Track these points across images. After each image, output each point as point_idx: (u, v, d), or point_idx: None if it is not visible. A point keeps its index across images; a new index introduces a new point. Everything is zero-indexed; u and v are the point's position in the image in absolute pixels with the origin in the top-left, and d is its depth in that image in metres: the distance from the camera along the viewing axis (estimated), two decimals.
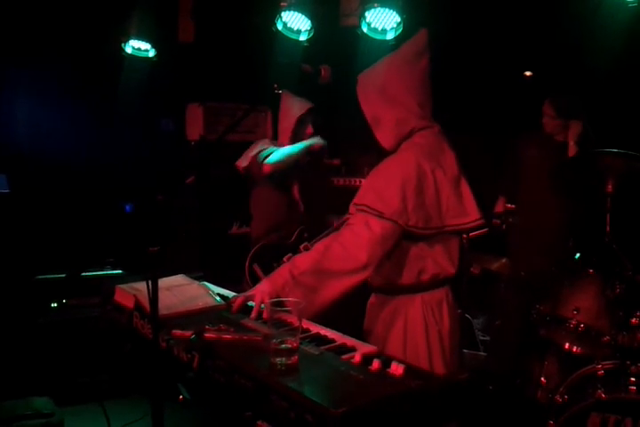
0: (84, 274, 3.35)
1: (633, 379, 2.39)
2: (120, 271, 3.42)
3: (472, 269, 3.27)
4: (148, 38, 3.87)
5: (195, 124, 4.14)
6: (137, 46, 3.90)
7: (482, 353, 4.04)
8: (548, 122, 3.60)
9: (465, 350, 3.79)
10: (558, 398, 2.56)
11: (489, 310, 4.19)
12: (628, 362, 2.45)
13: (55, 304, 3.30)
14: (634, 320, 2.50)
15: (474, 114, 4.37)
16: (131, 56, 3.87)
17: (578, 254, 2.90)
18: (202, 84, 4.50)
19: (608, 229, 2.71)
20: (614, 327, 2.60)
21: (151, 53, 3.93)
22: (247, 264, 3.27)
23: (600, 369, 2.51)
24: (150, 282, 1.46)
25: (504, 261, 3.35)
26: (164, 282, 1.81)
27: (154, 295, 1.44)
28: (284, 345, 1.34)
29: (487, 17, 3.87)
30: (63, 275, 3.28)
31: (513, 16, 3.79)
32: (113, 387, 2.88)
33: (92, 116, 4.28)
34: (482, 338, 4.38)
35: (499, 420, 2.95)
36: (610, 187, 2.76)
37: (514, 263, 3.40)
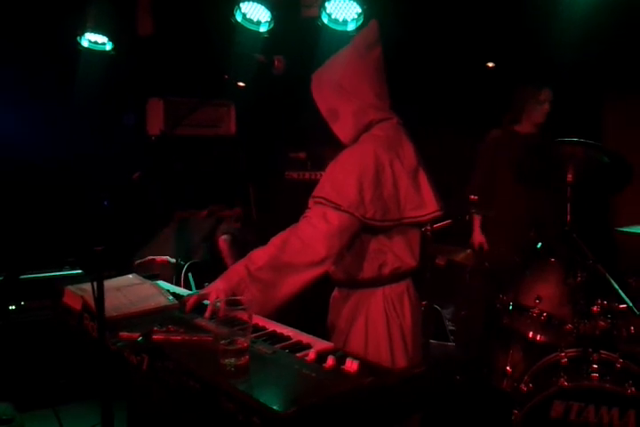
0: (43, 275, 3.25)
1: (595, 366, 2.41)
2: (80, 271, 3.33)
3: (437, 260, 3.26)
4: (105, 31, 3.77)
5: (155, 119, 4.05)
6: (94, 40, 3.81)
7: (451, 343, 4.06)
8: (545, 109, 3.63)
9: (433, 341, 3.81)
10: (523, 386, 2.58)
11: (457, 301, 4.22)
12: (590, 350, 2.47)
13: (14, 307, 3.21)
14: (595, 308, 2.53)
15: (439, 105, 4.37)
16: (87, 50, 3.78)
17: (540, 244, 2.92)
18: (163, 77, 4.42)
19: (569, 218, 2.72)
20: (576, 315, 2.63)
21: (108, 47, 3.83)
22: (182, 276, 3.21)
23: (563, 357, 2.53)
24: (95, 282, 1.40)
25: (469, 252, 3.36)
26: (113, 282, 1.76)
27: (99, 296, 1.39)
28: (233, 345, 1.30)
29: (449, 8, 3.86)
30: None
31: (475, 7, 3.79)
32: (71, 391, 2.80)
33: (50, 113, 4.17)
34: (451, 328, 4.41)
35: (466, 410, 2.97)
36: (570, 176, 2.77)
37: (478, 254, 3.41)
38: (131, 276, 1.86)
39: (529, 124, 3.68)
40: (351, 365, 1.34)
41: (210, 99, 3.78)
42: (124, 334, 1.44)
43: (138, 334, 1.39)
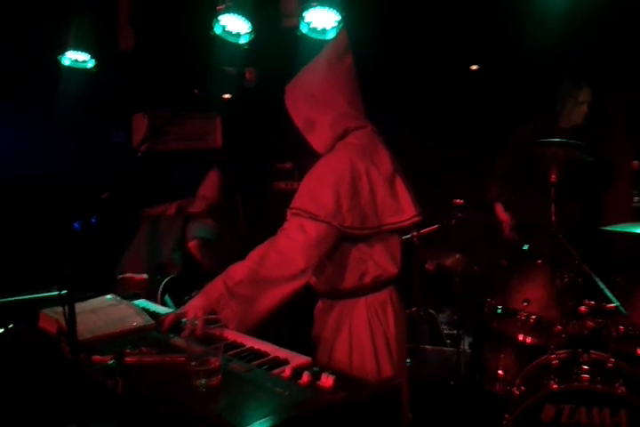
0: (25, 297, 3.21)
1: (586, 367, 2.40)
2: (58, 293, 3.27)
3: (427, 265, 3.26)
4: (86, 49, 3.77)
5: (141, 135, 4.04)
6: (74, 58, 3.81)
7: (447, 348, 4.05)
8: (583, 111, 3.43)
9: (429, 346, 3.80)
10: (515, 390, 2.57)
11: (452, 305, 4.21)
12: (580, 350, 2.46)
13: (1, 329, 3.17)
14: (583, 308, 2.52)
15: (423, 111, 4.38)
16: (69, 68, 3.78)
17: (526, 246, 2.91)
18: (148, 93, 4.42)
19: (553, 218, 2.72)
20: (564, 317, 2.62)
21: (90, 64, 3.83)
22: (159, 296, 3.17)
23: (554, 359, 2.52)
24: (67, 305, 1.39)
25: (458, 256, 3.35)
26: (89, 304, 1.75)
27: (71, 319, 1.38)
28: (204, 366, 1.29)
29: (429, 12, 3.87)
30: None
31: (456, 11, 3.80)
32: (49, 417, 2.76)
33: (36, 132, 4.16)
34: (447, 332, 4.39)
35: (460, 415, 2.96)
36: (553, 177, 2.77)
37: (467, 258, 3.41)
38: (108, 296, 1.85)
39: (567, 125, 3.47)
40: (326, 380, 1.34)
41: (194, 111, 3.77)
42: (96, 357, 1.43)
43: (110, 357, 1.39)
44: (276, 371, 1.44)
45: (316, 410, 1.20)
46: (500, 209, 3.57)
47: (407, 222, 2.03)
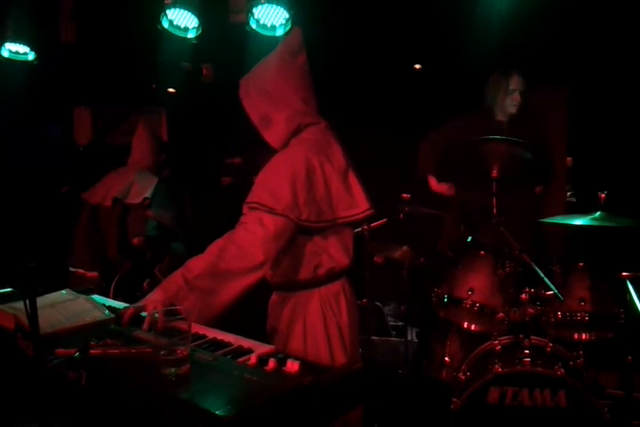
0: None
1: (527, 351, 2.53)
2: (9, 290, 3.19)
3: (375, 258, 3.34)
4: (26, 41, 3.66)
5: (83, 129, 3.95)
6: (15, 49, 3.69)
7: (392, 339, 4.17)
8: (516, 99, 3.37)
9: (375, 337, 3.90)
10: (461, 375, 2.68)
11: (397, 297, 4.33)
12: (522, 336, 2.59)
13: None
14: (523, 296, 2.65)
15: (370, 107, 4.47)
16: (8, 60, 3.65)
17: (470, 238, 3.04)
18: (90, 86, 4.31)
19: (495, 211, 2.85)
20: (507, 304, 2.76)
21: (30, 57, 3.72)
22: (111, 297, 3.13)
23: (497, 345, 2.65)
24: (28, 299, 1.38)
25: (405, 248, 3.46)
26: (47, 298, 1.73)
27: (32, 313, 1.37)
28: (173, 355, 1.31)
29: (376, 12, 3.95)
30: None
31: (401, 10, 3.89)
32: (9, 415, 2.69)
33: None
34: (392, 324, 4.52)
35: (409, 402, 3.06)
36: (495, 172, 2.90)
37: (414, 250, 3.51)
38: (64, 291, 1.83)
39: (503, 117, 3.44)
40: (292, 366, 1.38)
41: (140, 106, 3.72)
42: (60, 350, 1.42)
43: (75, 350, 1.38)
44: (241, 359, 1.47)
45: (287, 393, 1.24)
46: (433, 181, 3.60)
47: (361, 216, 2.10)
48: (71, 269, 3.24)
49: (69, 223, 3.44)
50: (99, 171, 3.49)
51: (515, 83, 3.35)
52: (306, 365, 1.40)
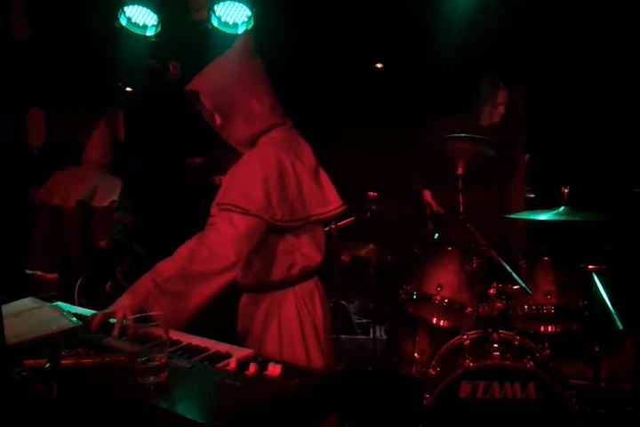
0: None
1: (495, 345, 2.57)
2: None
3: (342, 257, 3.34)
4: None
5: (37, 130, 3.80)
6: None
7: (359, 337, 4.17)
8: (500, 111, 3.69)
9: (343, 336, 3.89)
10: (431, 371, 2.70)
11: (363, 295, 4.33)
12: (490, 330, 2.63)
13: None
14: (491, 291, 2.69)
15: (334, 106, 4.45)
16: None
17: (437, 235, 3.06)
18: (44, 86, 4.15)
19: (461, 208, 2.88)
20: (475, 299, 2.79)
21: None
22: (76, 301, 3.03)
23: (466, 340, 2.68)
24: None
25: (371, 246, 3.46)
26: (10, 307, 1.65)
27: None
28: (150, 363, 1.26)
29: (337, 11, 3.94)
30: None
31: (363, 9, 3.90)
32: None
33: None
34: (358, 321, 4.53)
35: (380, 399, 3.06)
36: (460, 169, 2.93)
37: (380, 248, 3.53)
38: (28, 299, 1.74)
39: (487, 124, 3.73)
40: (274, 369, 1.35)
41: (97, 106, 3.60)
42: (29, 362, 1.35)
43: (45, 361, 1.31)
44: (219, 365, 1.43)
45: (272, 398, 1.21)
46: (428, 195, 3.72)
47: (333, 213, 2.09)
48: (28, 271, 3.12)
49: (21, 223, 3.32)
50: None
51: (502, 97, 3.67)
52: (287, 368, 1.37)
